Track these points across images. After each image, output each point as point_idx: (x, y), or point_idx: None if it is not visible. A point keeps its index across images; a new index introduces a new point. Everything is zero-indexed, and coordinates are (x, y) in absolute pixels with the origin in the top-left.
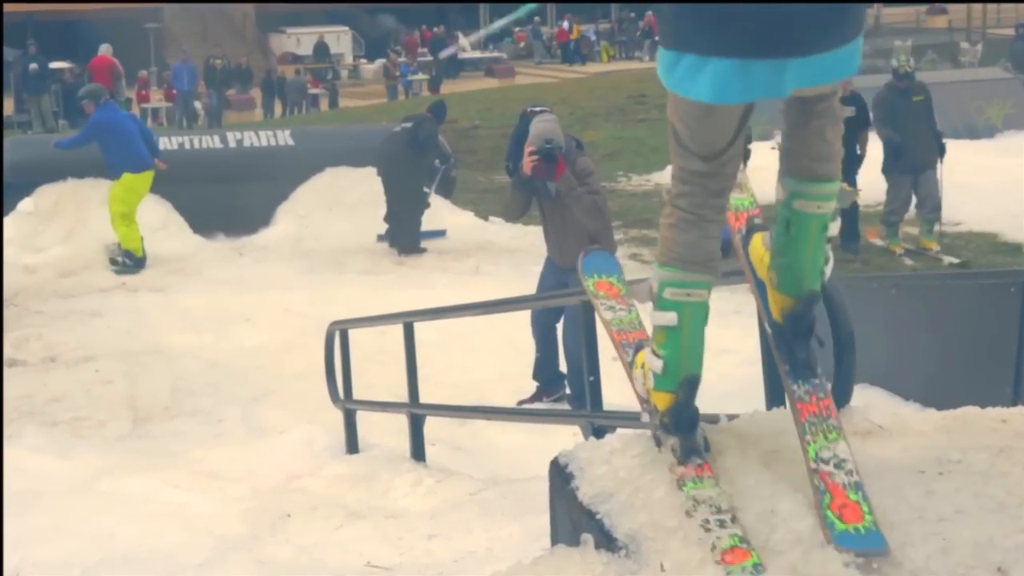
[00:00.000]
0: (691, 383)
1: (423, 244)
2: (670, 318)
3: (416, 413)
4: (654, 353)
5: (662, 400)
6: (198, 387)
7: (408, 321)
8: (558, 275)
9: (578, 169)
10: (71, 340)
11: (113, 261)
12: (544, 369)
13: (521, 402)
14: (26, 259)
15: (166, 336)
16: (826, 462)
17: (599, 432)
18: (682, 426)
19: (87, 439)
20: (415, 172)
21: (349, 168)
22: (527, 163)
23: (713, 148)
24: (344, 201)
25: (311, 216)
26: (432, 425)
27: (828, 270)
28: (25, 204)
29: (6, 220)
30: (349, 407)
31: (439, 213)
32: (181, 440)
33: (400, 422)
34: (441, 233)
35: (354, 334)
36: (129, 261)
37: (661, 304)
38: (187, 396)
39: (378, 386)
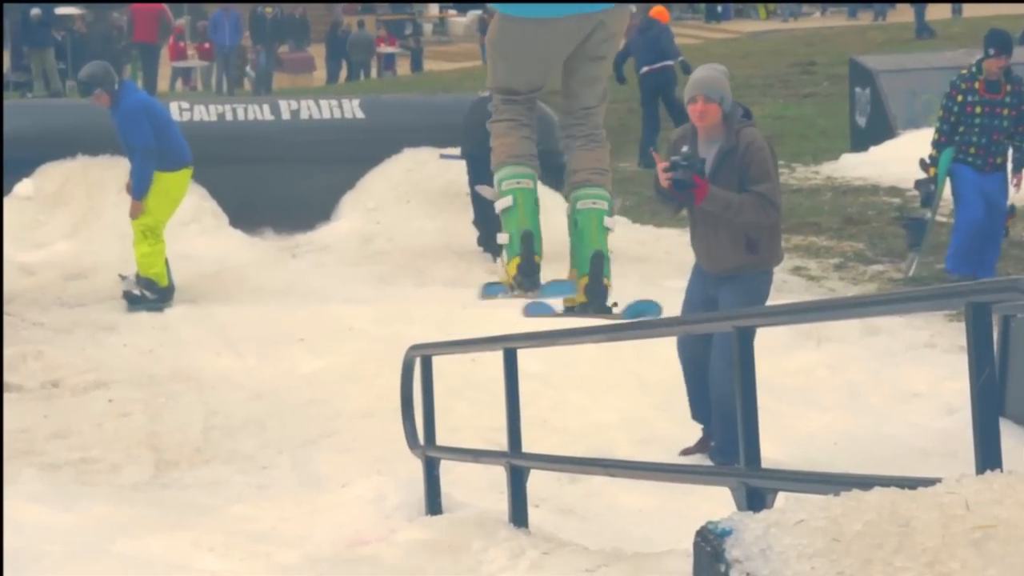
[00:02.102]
0: (528, 236)
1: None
2: (507, 202)
3: (517, 465)
4: (502, 232)
5: (513, 266)
6: (238, 424)
7: (509, 347)
8: (705, 286)
9: (743, 147)
10: (78, 361)
11: (127, 294)
12: (701, 407)
13: (686, 451)
14: (23, 256)
15: (198, 358)
16: None
17: (755, 496)
18: (528, 273)
19: (97, 487)
20: None
21: (433, 149)
22: (661, 178)
23: (532, 86)
24: (426, 190)
25: (384, 209)
26: (537, 480)
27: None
28: (23, 187)
29: None
30: (431, 455)
31: (546, 208)
32: (216, 491)
33: (496, 476)
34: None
35: (438, 362)
36: (149, 293)
37: (501, 193)
38: (224, 436)
39: (467, 429)
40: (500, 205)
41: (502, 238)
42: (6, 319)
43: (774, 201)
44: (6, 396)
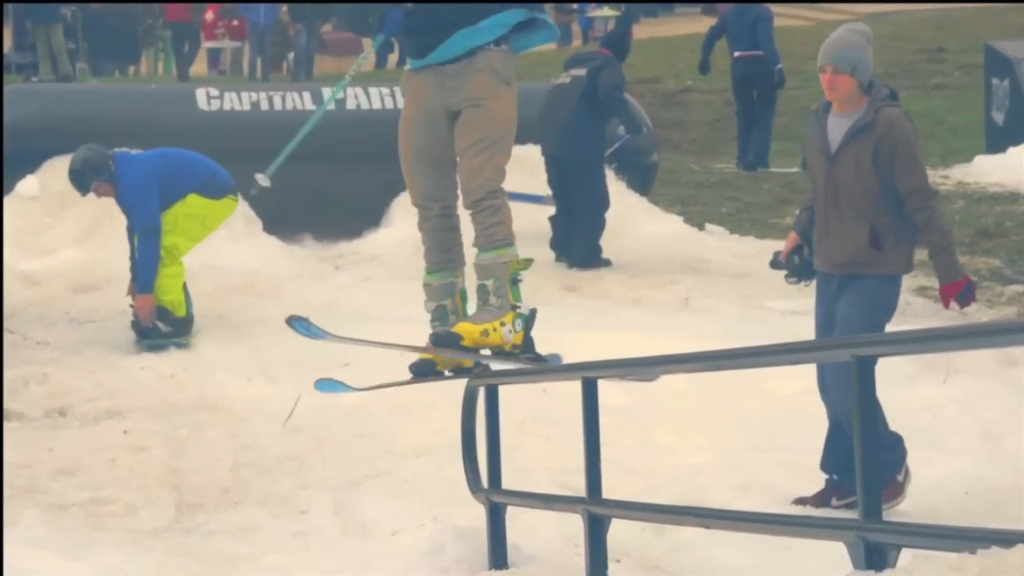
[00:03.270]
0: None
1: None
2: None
3: (596, 513)
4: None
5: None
6: (272, 462)
7: (588, 377)
8: (828, 302)
9: (883, 127)
10: (88, 386)
11: (136, 324)
12: (834, 455)
13: (801, 501)
14: (26, 265)
15: (227, 385)
16: None
17: (876, 553)
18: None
19: (110, 531)
20: (594, 143)
21: None
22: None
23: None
24: None
25: None
26: (618, 531)
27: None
28: (26, 185)
29: None
30: (495, 500)
31: (631, 214)
32: (246, 539)
33: (571, 525)
34: (539, 199)
35: (505, 392)
36: (163, 324)
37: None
38: (256, 475)
39: (538, 471)
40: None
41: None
42: (6, 337)
43: (931, 190)
44: (6, 426)
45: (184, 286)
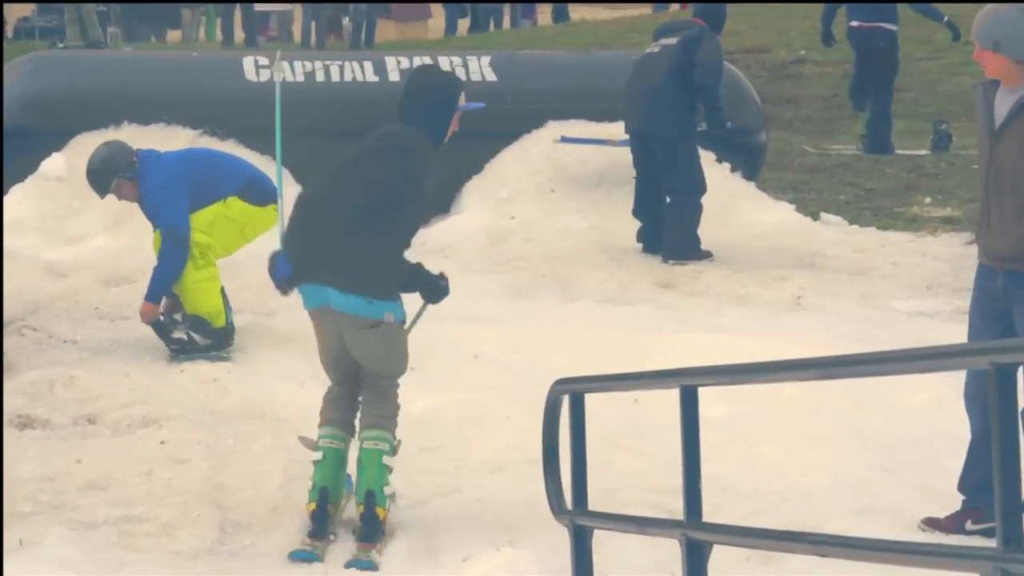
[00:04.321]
0: (324, 492)
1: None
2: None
3: (695, 538)
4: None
5: (309, 507)
6: None
7: (687, 385)
8: (990, 292)
9: None
10: (121, 390)
11: (164, 332)
12: (975, 474)
13: (930, 523)
14: (51, 254)
15: (276, 390)
16: None
17: None
18: (318, 519)
19: (145, 553)
20: (685, 118)
21: (585, 122)
22: None
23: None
24: (576, 177)
25: (520, 201)
26: (720, 559)
27: (389, 491)
28: (52, 164)
29: (20, 188)
30: (581, 523)
31: (736, 202)
32: (297, 564)
33: (666, 551)
34: (607, 141)
35: (592, 402)
36: (199, 337)
37: (317, 447)
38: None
39: (629, 490)
40: (312, 457)
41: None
42: (28, 335)
43: None
44: (27, 435)
45: (223, 293)
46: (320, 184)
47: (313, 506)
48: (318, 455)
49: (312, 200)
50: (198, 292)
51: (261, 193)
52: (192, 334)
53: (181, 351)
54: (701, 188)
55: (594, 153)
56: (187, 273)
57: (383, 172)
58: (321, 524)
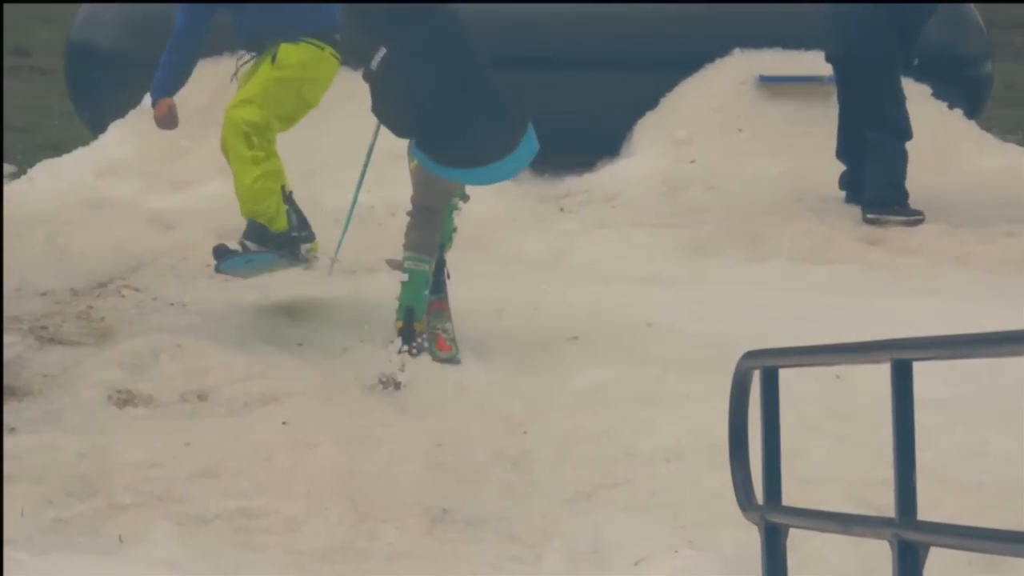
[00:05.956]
0: (411, 311)
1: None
2: (404, 277)
3: (908, 539)
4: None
5: (398, 325)
6: (477, 464)
7: (899, 358)
8: None
9: None
10: (237, 362)
11: (221, 249)
12: None
13: None
14: (155, 202)
15: (418, 363)
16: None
17: None
18: (407, 336)
19: (264, 552)
20: (891, 43)
21: (780, 51)
22: None
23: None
24: (767, 112)
25: (701, 142)
26: (937, 564)
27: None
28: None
29: (119, 125)
30: (773, 520)
31: (956, 144)
32: (444, 565)
33: (874, 554)
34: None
35: (787, 378)
36: (252, 245)
37: (403, 268)
38: (456, 481)
39: (828, 482)
40: (400, 278)
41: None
42: (131, 297)
43: None
44: (130, 412)
45: (284, 191)
46: None
47: (401, 324)
48: (405, 276)
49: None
50: (253, 189)
51: (316, 22)
52: (245, 242)
53: (231, 264)
54: (906, 131)
55: (789, 87)
56: (243, 168)
57: None
58: (408, 341)
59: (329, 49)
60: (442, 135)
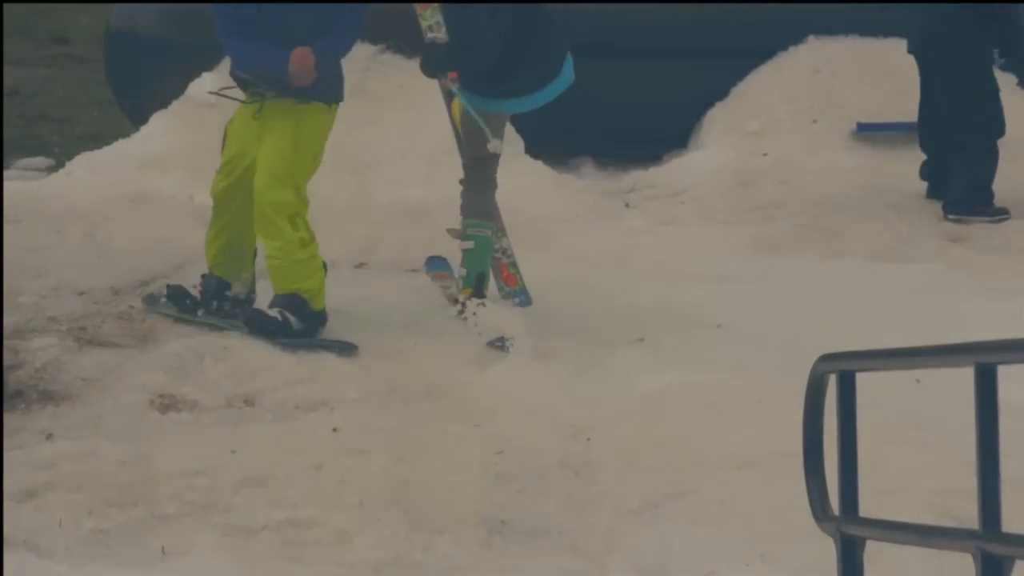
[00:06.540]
0: (481, 277)
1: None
2: (469, 244)
3: (992, 552)
4: (462, 266)
5: (466, 292)
6: (535, 473)
7: (983, 362)
8: None
9: None
10: (285, 366)
11: (253, 316)
12: None
13: None
14: (199, 197)
15: (465, 370)
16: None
17: None
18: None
19: (314, 565)
20: (978, 37)
21: (855, 39)
22: None
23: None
24: (843, 103)
25: (774, 134)
26: None
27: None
28: (201, 87)
29: (162, 116)
30: (850, 532)
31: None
32: None
33: (956, 567)
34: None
35: (864, 383)
36: (294, 319)
37: (466, 237)
38: (514, 491)
39: (909, 492)
40: (463, 246)
41: (460, 271)
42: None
43: None
44: (173, 418)
45: (323, 265)
46: None
47: (469, 291)
48: (469, 244)
49: None
50: (300, 267)
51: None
52: (288, 315)
53: (264, 330)
54: (999, 127)
55: (873, 75)
56: (289, 248)
57: None
58: (480, 293)
59: (335, 105)
60: (500, 68)
